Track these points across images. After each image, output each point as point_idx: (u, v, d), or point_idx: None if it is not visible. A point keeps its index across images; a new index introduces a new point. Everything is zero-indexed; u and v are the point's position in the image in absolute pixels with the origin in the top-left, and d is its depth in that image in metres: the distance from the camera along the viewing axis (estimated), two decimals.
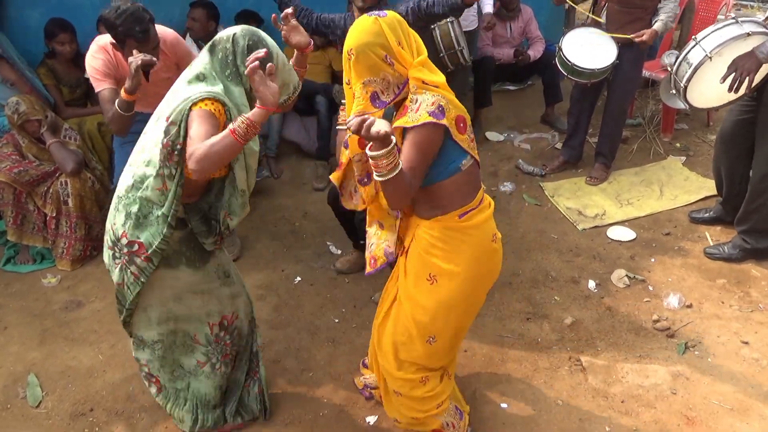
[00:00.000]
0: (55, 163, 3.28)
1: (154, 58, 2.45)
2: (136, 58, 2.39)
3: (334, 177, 2.06)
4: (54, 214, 3.30)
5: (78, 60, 3.83)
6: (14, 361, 2.71)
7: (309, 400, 2.48)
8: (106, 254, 2.02)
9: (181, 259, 2.02)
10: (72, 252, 3.33)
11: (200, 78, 1.86)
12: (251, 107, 1.86)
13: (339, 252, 3.47)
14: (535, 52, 4.79)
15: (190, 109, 1.79)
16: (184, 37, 4.17)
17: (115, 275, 1.99)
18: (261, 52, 1.76)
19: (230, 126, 1.71)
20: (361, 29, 1.75)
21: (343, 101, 2.32)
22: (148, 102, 2.80)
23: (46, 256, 3.40)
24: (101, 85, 2.65)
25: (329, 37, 3.08)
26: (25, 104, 3.20)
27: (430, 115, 1.69)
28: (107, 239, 2.00)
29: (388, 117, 1.86)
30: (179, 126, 1.79)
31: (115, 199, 1.99)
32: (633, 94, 4.27)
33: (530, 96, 5.20)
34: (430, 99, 1.72)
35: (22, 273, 3.31)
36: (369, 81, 1.75)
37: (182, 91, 1.86)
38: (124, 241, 1.93)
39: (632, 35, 3.60)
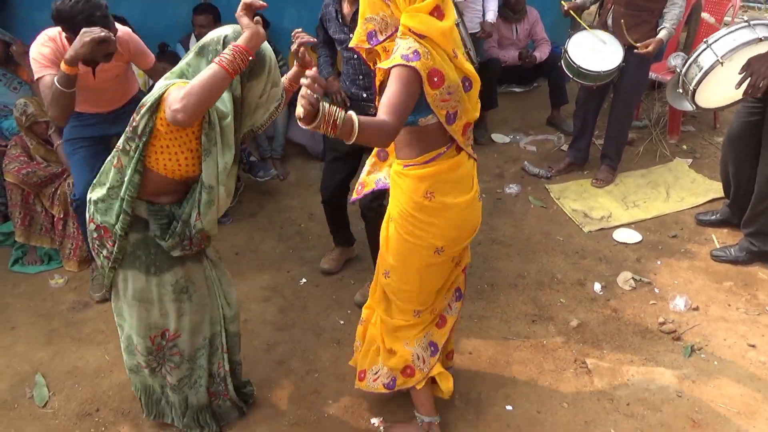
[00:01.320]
0: (63, 164, 3.29)
1: (113, 36, 2.34)
2: (93, 30, 2.27)
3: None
4: (61, 215, 3.32)
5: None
6: (21, 361, 2.72)
7: (314, 401, 2.49)
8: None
9: (134, 262, 1.96)
10: (79, 253, 3.34)
11: (180, 76, 1.84)
12: (236, 115, 1.84)
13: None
14: (541, 53, 4.79)
15: (165, 90, 1.75)
16: (189, 39, 4.20)
17: (97, 263, 2.06)
18: None
19: (215, 59, 1.69)
20: None
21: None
22: (96, 101, 2.80)
23: (53, 257, 3.42)
24: (44, 71, 2.47)
25: (330, 28, 3.06)
26: (33, 106, 3.22)
27: (401, 58, 1.73)
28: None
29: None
30: (151, 105, 1.75)
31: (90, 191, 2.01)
32: (639, 97, 4.26)
33: (536, 98, 5.20)
34: (408, 44, 1.75)
35: (30, 274, 3.33)
36: (370, 18, 1.84)
37: (159, 84, 1.84)
38: (92, 226, 1.95)
39: (637, 45, 3.60)
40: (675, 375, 2.56)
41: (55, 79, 2.35)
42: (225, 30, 1.85)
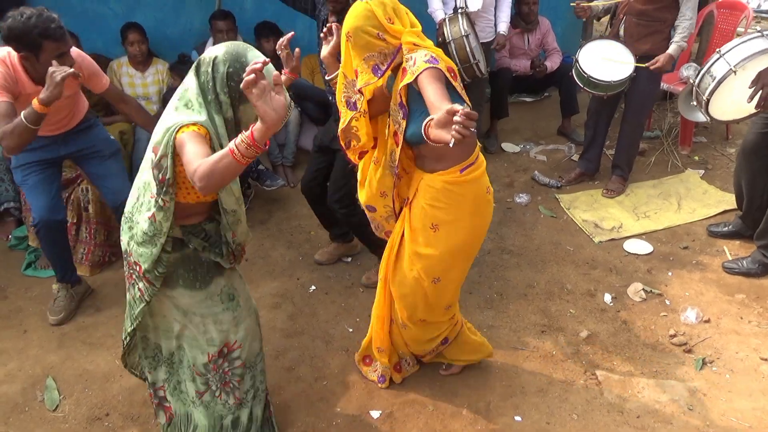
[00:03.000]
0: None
1: (78, 73, 2.33)
2: (61, 68, 2.25)
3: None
4: (75, 220, 3.35)
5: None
6: (33, 364, 2.75)
7: (322, 409, 2.49)
8: (125, 263, 2.03)
9: (177, 280, 1.96)
10: (91, 257, 3.37)
11: (188, 106, 1.79)
12: (232, 137, 1.79)
13: (349, 260, 3.48)
14: (552, 63, 4.79)
15: (175, 137, 1.73)
16: (204, 47, 4.24)
17: (128, 288, 2.00)
18: (258, 64, 1.51)
19: (230, 144, 1.58)
20: (354, 15, 2.00)
21: None
22: (48, 124, 2.67)
23: None
24: None
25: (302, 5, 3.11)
26: None
27: (426, 63, 1.91)
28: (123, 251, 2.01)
29: (391, 81, 2.13)
30: (168, 157, 1.74)
31: (123, 217, 1.98)
32: (650, 107, 4.25)
33: (547, 107, 5.20)
34: (422, 53, 1.95)
35: (42, 278, 3.35)
36: (369, 56, 2.01)
37: (169, 119, 1.79)
38: (131, 259, 1.94)
39: (648, 64, 3.60)
40: (686, 388, 2.54)
41: (23, 114, 2.29)
42: (217, 50, 1.79)
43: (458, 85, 2.01)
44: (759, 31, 2.95)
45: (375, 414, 2.45)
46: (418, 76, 1.89)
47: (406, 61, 1.97)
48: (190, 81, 1.81)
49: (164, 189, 1.77)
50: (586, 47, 3.80)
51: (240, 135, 1.58)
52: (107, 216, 3.42)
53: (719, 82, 2.96)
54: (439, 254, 2.16)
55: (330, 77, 2.27)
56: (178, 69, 4.00)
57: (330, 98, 3.07)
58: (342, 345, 2.84)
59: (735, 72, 2.89)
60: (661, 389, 2.54)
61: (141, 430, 2.41)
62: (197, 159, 1.65)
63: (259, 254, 3.54)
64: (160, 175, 1.77)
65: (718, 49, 3.03)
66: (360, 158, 2.28)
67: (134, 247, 1.91)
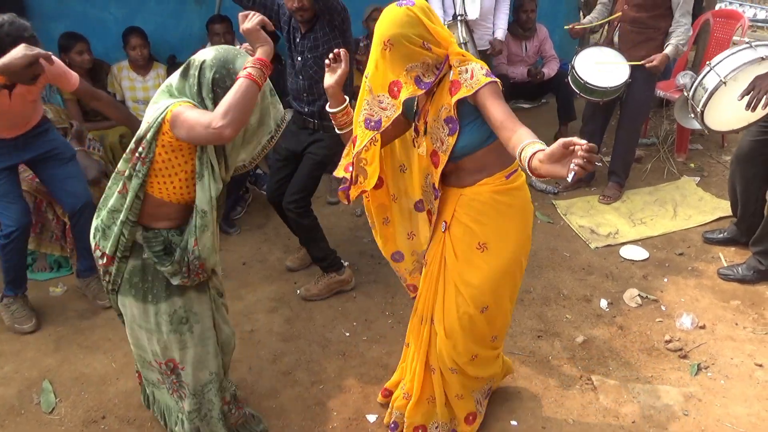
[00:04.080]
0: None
1: (50, 55, 2.21)
2: (35, 48, 2.15)
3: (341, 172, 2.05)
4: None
5: (95, 75, 3.92)
6: (29, 367, 2.74)
7: (319, 413, 2.49)
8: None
9: (131, 290, 1.91)
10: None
11: (173, 96, 1.80)
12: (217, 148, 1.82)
13: (346, 264, 3.48)
14: (550, 70, 4.82)
15: (168, 111, 1.72)
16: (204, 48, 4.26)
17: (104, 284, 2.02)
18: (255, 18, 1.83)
19: (242, 73, 1.71)
20: (395, 21, 1.78)
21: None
22: (8, 125, 2.69)
23: (63, 265, 3.45)
24: None
25: (283, 28, 2.99)
26: (51, 112, 3.27)
27: (486, 76, 1.79)
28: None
29: (410, 103, 2.02)
30: (153, 124, 1.72)
31: (95, 212, 1.98)
32: (646, 114, 4.28)
33: (544, 114, 5.22)
34: (478, 65, 1.82)
35: (39, 280, 3.35)
36: (411, 67, 1.81)
37: (155, 107, 1.79)
38: (98, 253, 1.93)
39: (643, 61, 3.63)
40: (681, 393, 2.55)
41: None
42: (206, 54, 1.80)
43: None
44: (748, 42, 2.99)
45: (371, 418, 2.46)
46: (478, 90, 1.77)
47: (459, 74, 1.81)
48: (173, 79, 1.83)
49: (138, 164, 1.77)
50: (582, 54, 3.84)
51: (245, 64, 1.73)
52: None
53: (711, 93, 3.00)
54: (488, 278, 1.96)
55: (335, 110, 2.02)
56: (171, 72, 4.03)
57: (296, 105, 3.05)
58: (339, 349, 2.85)
59: (725, 83, 2.93)
60: (657, 395, 2.55)
61: None
62: (204, 115, 1.68)
63: (256, 258, 3.55)
64: (141, 146, 1.76)
65: (708, 62, 3.07)
66: (353, 198, 2.04)
67: (100, 238, 1.91)
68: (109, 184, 1.93)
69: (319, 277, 3.23)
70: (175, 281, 1.88)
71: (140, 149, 1.78)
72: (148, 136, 1.75)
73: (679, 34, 3.64)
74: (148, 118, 1.78)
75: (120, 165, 1.87)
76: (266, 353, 2.82)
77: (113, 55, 4.04)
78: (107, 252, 1.89)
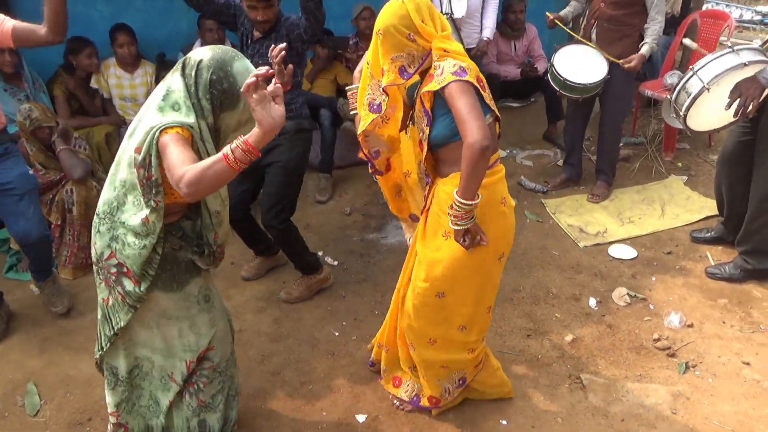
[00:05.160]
0: (62, 171, 3.30)
1: None
2: None
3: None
4: (59, 222, 3.32)
5: (88, 77, 3.91)
6: (14, 369, 2.70)
7: (308, 413, 2.48)
8: (95, 269, 1.97)
9: (156, 283, 1.90)
10: (74, 260, 3.34)
11: (175, 108, 1.75)
12: (215, 146, 1.78)
13: (335, 263, 3.48)
14: (541, 67, 4.83)
15: (159, 137, 1.68)
16: (191, 48, 4.23)
17: (103, 291, 1.94)
18: (262, 70, 1.55)
19: (224, 150, 1.57)
20: (389, 12, 1.95)
21: (350, 113, 2.41)
22: None
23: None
24: None
25: (238, 28, 2.96)
26: (37, 111, 3.23)
27: (453, 74, 1.86)
28: (92, 256, 1.95)
29: (412, 89, 2.15)
30: (152, 156, 1.70)
31: (96, 219, 1.91)
32: (626, 110, 4.33)
33: (533, 113, 5.23)
34: (452, 63, 1.90)
35: (25, 281, 3.31)
36: (396, 57, 1.96)
37: (151, 120, 1.74)
38: (112, 261, 1.86)
39: (621, 61, 3.69)
40: (669, 392, 2.56)
41: None
42: (203, 54, 1.76)
43: (487, 95, 1.96)
44: (730, 47, 3.00)
45: (360, 418, 2.45)
46: (444, 87, 1.86)
47: (434, 69, 1.92)
48: (176, 82, 1.76)
49: (153, 189, 1.74)
50: (560, 51, 3.89)
51: (234, 141, 1.57)
52: (91, 218, 3.38)
53: (694, 99, 3.02)
54: (446, 266, 2.04)
55: (351, 87, 2.26)
56: (159, 70, 4.01)
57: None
58: (328, 349, 2.83)
59: (708, 90, 2.95)
60: (645, 393, 2.56)
61: None
62: (182, 165, 1.61)
63: (245, 258, 3.52)
64: (146, 174, 1.72)
65: (691, 66, 3.09)
66: (380, 174, 2.27)
67: (119, 249, 1.84)
68: (114, 196, 1.85)
69: (299, 280, 3.18)
70: (204, 265, 1.96)
71: (150, 177, 1.73)
72: (151, 161, 1.71)
73: (653, 32, 3.73)
74: (138, 135, 1.73)
75: (126, 180, 1.80)
76: (255, 353, 2.80)
77: (100, 52, 4.00)
78: (133, 269, 1.84)
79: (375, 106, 2.06)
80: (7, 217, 2.82)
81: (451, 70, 1.87)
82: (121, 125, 3.95)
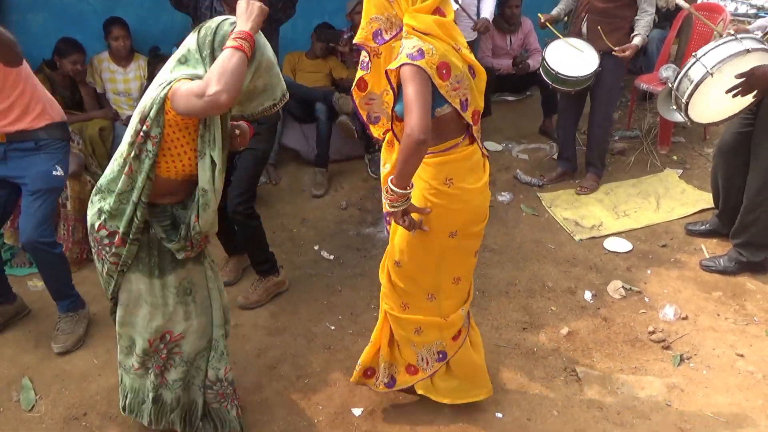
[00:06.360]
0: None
1: None
2: None
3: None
4: None
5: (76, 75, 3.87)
6: (8, 365, 2.70)
7: (304, 407, 2.48)
8: (90, 239, 2.02)
9: (138, 265, 1.95)
10: (69, 255, 3.30)
11: (182, 61, 1.79)
12: None
13: (331, 257, 3.48)
14: (534, 63, 4.83)
15: (168, 90, 1.71)
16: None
17: (98, 265, 2.01)
18: None
19: (230, 43, 1.68)
20: None
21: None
22: None
23: None
24: None
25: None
26: None
27: (407, 56, 1.83)
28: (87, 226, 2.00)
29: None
30: (156, 101, 1.72)
31: (93, 190, 1.96)
32: (616, 102, 4.35)
33: (529, 107, 5.24)
34: (412, 44, 1.85)
35: (18, 276, 3.30)
36: (375, 18, 1.95)
37: (161, 76, 1.80)
38: (103, 232, 1.91)
39: (616, 49, 3.69)
40: (664, 384, 2.57)
41: None
42: (222, 18, 1.83)
43: (447, 84, 1.89)
44: (733, 35, 3.00)
45: (357, 411, 2.45)
46: (398, 67, 1.85)
47: (399, 46, 1.90)
48: (189, 40, 1.81)
49: (143, 139, 1.76)
50: (552, 45, 3.90)
51: (232, 35, 1.69)
52: (85, 213, 3.36)
53: (697, 85, 3.01)
54: (400, 236, 2.11)
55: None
56: (153, 64, 3.98)
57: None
58: (324, 343, 2.83)
59: (712, 75, 2.94)
60: (640, 385, 2.57)
61: (119, 429, 2.38)
62: (197, 84, 1.66)
63: (218, 264, 3.51)
64: (145, 125, 1.74)
65: (694, 53, 3.08)
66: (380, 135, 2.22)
67: (107, 219, 1.89)
68: (112, 167, 1.90)
69: (256, 283, 3.11)
70: (180, 256, 1.94)
71: (145, 128, 1.75)
72: (152, 113, 1.73)
73: (645, 24, 3.75)
74: (151, 93, 1.77)
75: (123, 149, 1.84)
76: (251, 348, 2.80)
77: (92, 46, 3.97)
78: (120, 232, 1.88)
79: (364, 64, 2.06)
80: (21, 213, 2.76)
81: (407, 51, 1.83)
82: (115, 119, 3.93)
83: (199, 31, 1.81)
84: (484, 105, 2.16)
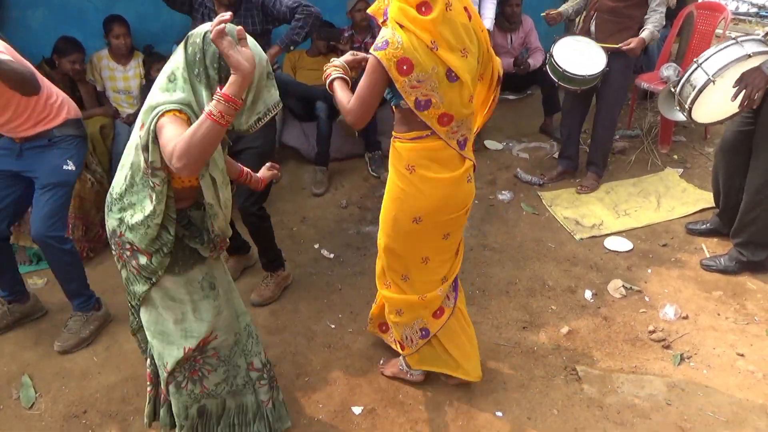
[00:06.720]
0: None
1: None
2: None
3: None
4: None
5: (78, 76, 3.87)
6: (8, 362, 2.70)
7: (304, 405, 2.48)
8: (110, 241, 1.98)
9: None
10: None
11: (171, 79, 1.74)
12: None
13: (331, 256, 3.47)
14: (535, 61, 4.83)
15: (156, 121, 1.69)
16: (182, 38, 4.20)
17: (118, 263, 1.96)
18: (226, 15, 1.59)
19: (206, 109, 1.57)
20: None
21: None
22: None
23: (42, 258, 3.39)
24: None
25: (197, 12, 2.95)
26: None
27: (373, 47, 1.88)
28: (107, 230, 1.97)
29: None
30: (150, 141, 1.70)
31: (108, 197, 1.92)
32: (622, 103, 4.33)
33: (529, 105, 5.23)
34: (383, 33, 1.88)
35: (20, 273, 3.29)
36: None
37: (153, 98, 1.76)
38: (124, 239, 1.89)
39: (621, 44, 3.67)
40: (664, 383, 2.57)
41: None
42: (208, 27, 1.72)
43: (405, 80, 1.87)
44: (734, 38, 3.00)
45: (357, 410, 2.45)
46: (369, 56, 1.89)
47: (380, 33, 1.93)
48: (177, 56, 1.76)
49: (152, 171, 1.75)
50: (559, 42, 3.87)
51: (213, 98, 1.58)
52: (86, 211, 3.37)
53: (699, 91, 3.01)
54: (381, 217, 2.22)
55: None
56: (148, 63, 3.98)
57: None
58: (324, 341, 2.83)
59: (714, 81, 2.94)
60: (640, 384, 2.57)
61: (119, 427, 2.38)
62: (171, 141, 1.61)
63: None
64: (147, 156, 1.73)
65: (695, 59, 3.08)
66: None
67: (126, 230, 1.86)
68: (119, 178, 1.87)
69: (267, 279, 3.12)
70: (205, 253, 1.96)
71: (149, 158, 1.73)
72: (150, 146, 1.71)
73: (655, 20, 3.72)
74: (143, 117, 1.74)
75: (134, 156, 1.81)
76: None
77: (92, 43, 3.96)
78: (142, 248, 1.86)
79: (379, 47, 1.93)
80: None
81: (377, 41, 1.88)
82: (115, 117, 3.92)
83: (186, 48, 1.74)
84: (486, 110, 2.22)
